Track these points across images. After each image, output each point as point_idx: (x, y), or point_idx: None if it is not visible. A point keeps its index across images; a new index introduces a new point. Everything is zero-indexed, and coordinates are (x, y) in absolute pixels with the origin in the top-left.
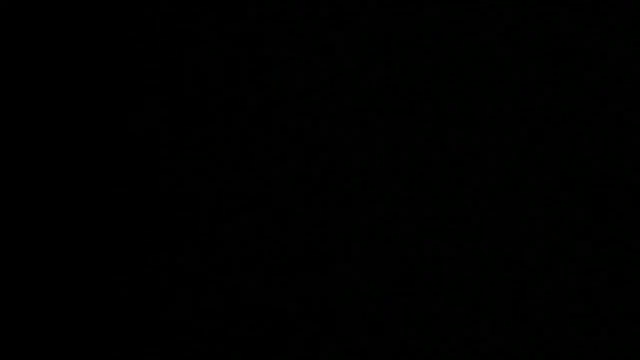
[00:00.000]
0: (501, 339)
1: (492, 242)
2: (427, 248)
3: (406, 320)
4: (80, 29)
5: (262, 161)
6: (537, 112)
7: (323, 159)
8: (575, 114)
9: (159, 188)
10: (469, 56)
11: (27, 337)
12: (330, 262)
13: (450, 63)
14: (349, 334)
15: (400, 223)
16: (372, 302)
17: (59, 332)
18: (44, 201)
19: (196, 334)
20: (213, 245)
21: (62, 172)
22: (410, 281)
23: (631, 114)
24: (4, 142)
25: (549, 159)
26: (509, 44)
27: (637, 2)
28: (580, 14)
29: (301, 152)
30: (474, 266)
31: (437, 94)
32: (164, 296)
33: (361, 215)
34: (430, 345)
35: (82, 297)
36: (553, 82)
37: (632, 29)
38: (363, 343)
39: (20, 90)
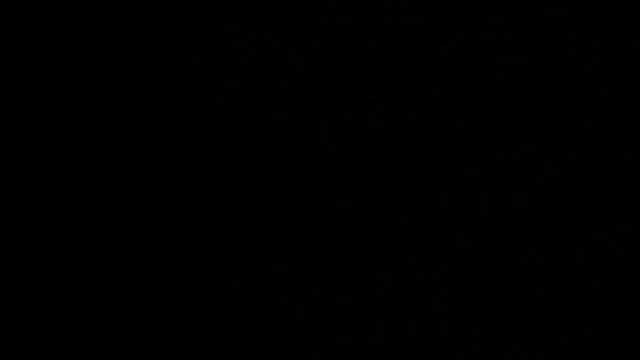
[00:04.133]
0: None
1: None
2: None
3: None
4: (81, 29)
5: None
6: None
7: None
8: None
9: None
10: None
11: (27, 336)
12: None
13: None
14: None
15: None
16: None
17: (59, 331)
18: (43, 199)
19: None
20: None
21: (61, 171)
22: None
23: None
24: (4, 142)
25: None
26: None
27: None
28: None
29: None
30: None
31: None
32: (164, 296)
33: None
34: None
35: (82, 296)
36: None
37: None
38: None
39: (22, 90)
